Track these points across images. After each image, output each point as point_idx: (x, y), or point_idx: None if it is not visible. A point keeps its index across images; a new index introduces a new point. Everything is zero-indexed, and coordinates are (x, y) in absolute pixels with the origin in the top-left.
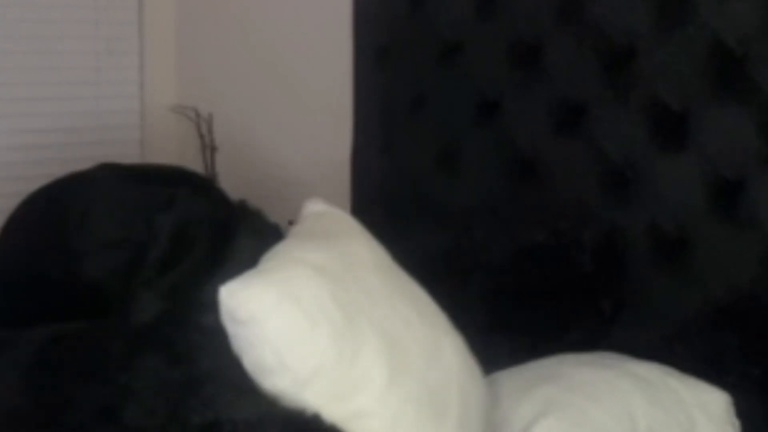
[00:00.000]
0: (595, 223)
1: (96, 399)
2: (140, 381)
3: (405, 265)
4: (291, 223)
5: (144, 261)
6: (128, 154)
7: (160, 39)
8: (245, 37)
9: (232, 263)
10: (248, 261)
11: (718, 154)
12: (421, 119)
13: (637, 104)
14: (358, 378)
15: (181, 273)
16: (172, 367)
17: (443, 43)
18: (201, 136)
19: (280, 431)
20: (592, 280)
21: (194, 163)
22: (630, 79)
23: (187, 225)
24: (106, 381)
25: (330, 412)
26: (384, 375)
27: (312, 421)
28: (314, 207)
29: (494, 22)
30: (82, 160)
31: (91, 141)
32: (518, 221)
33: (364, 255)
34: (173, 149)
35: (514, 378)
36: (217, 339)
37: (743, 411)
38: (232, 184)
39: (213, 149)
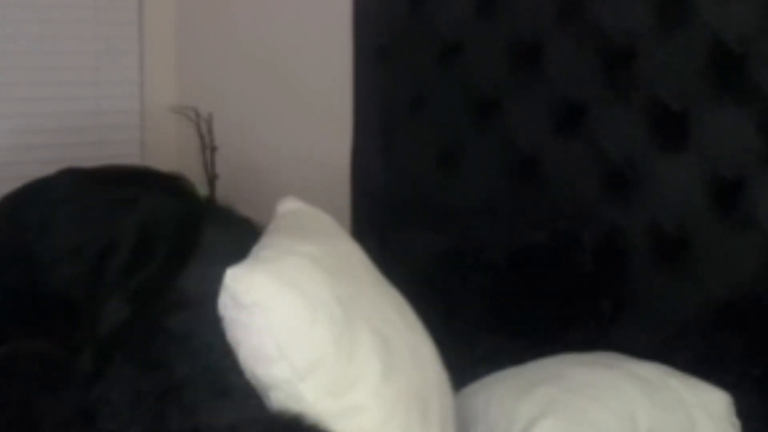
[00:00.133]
0: (595, 223)
1: (66, 411)
2: (115, 390)
3: (405, 265)
4: None
5: (109, 266)
6: (128, 154)
7: (160, 39)
8: (245, 37)
9: (200, 261)
10: (219, 257)
11: (718, 154)
12: (421, 119)
13: (637, 104)
14: (354, 373)
15: (147, 275)
16: (147, 375)
17: (443, 43)
18: (201, 136)
19: None
20: (592, 280)
21: (194, 163)
22: (630, 79)
23: (151, 226)
24: (77, 392)
25: (325, 407)
26: (378, 371)
27: (292, 422)
28: (290, 205)
29: (494, 22)
30: (82, 160)
31: (91, 141)
32: (518, 221)
33: (351, 255)
34: (173, 149)
35: (514, 378)
36: (190, 343)
37: (743, 411)
38: (232, 184)
39: (213, 149)
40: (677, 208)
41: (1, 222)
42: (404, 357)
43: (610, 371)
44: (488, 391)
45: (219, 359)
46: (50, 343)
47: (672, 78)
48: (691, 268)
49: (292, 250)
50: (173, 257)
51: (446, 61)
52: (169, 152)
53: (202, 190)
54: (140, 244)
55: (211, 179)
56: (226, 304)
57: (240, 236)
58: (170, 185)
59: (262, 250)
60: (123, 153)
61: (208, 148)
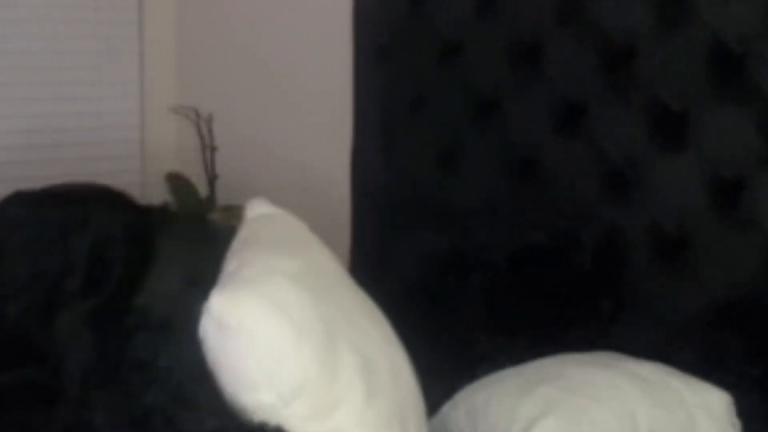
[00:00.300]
0: (595, 223)
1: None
2: (96, 414)
3: (405, 265)
4: None
5: (65, 292)
6: (128, 154)
7: (160, 39)
8: (245, 38)
9: (157, 277)
10: (177, 271)
11: (718, 154)
12: (421, 119)
13: (637, 104)
14: (337, 396)
15: (103, 297)
16: (118, 402)
17: (443, 43)
18: (201, 136)
19: None
20: (592, 280)
21: (194, 163)
22: (630, 79)
23: (103, 245)
24: (67, 413)
25: (308, 431)
26: (361, 394)
27: (275, 430)
28: (259, 209)
29: (494, 22)
30: (82, 161)
31: (91, 141)
32: (518, 221)
33: (328, 267)
34: (173, 149)
35: (514, 378)
36: (156, 369)
37: (743, 411)
38: (232, 184)
39: (213, 149)
40: (677, 208)
41: None
42: (385, 376)
43: (610, 371)
44: (488, 391)
45: (187, 385)
46: (37, 369)
47: (672, 78)
48: (691, 268)
49: (274, 268)
50: (128, 276)
51: (446, 61)
52: (169, 152)
53: (202, 190)
54: (94, 266)
55: (211, 179)
56: (209, 329)
57: (197, 244)
58: (119, 200)
59: (242, 268)
60: (123, 153)
61: (208, 148)
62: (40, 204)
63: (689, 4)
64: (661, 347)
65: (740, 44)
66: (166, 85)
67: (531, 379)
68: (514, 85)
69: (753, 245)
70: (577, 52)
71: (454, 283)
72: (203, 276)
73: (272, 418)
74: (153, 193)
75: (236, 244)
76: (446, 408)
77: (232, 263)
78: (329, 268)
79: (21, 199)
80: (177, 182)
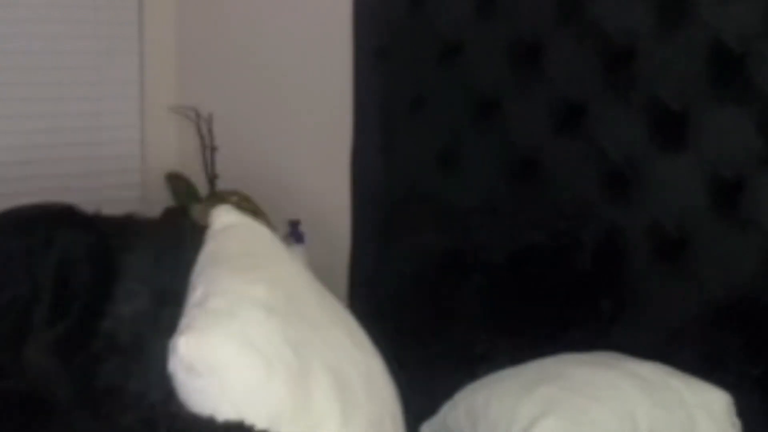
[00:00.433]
0: (595, 223)
1: None
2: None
3: (405, 265)
4: (292, 223)
5: (33, 319)
6: (128, 154)
7: (160, 39)
8: (245, 37)
9: (124, 296)
10: (142, 287)
11: (718, 154)
12: (421, 119)
13: (637, 104)
14: (314, 420)
15: (70, 321)
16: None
17: (443, 43)
18: (201, 136)
19: None
20: (592, 280)
21: (194, 163)
22: (630, 79)
23: (67, 267)
24: (60, 424)
25: None
26: (337, 414)
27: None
28: (226, 218)
29: (494, 22)
30: (81, 161)
31: (90, 141)
32: (518, 221)
33: (299, 281)
34: (173, 149)
35: (515, 378)
36: (126, 394)
37: (743, 411)
38: (232, 184)
39: (213, 149)
40: (677, 208)
41: None
42: (360, 389)
43: (611, 371)
44: (488, 390)
45: (159, 408)
46: (29, 382)
47: (672, 78)
48: (691, 268)
49: (242, 296)
50: (93, 298)
51: (446, 61)
52: (169, 152)
53: (202, 190)
54: (59, 291)
55: (211, 179)
56: (178, 370)
57: (164, 260)
58: (81, 220)
59: (209, 298)
60: (123, 153)
61: (208, 148)
62: (2, 230)
63: (689, 4)
64: (661, 347)
65: (740, 44)
66: (166, 85)
67: (531, 379)
68: (514, 85)
69: (753, 245)
70: (577, 52)
71: (454, 283)
72: (173, 293)
73: None
74: (153, 193)
75: (204, 259)
76: (446, 408)
77: (199, 288)
78: (298, 283)
79: None
80: (177, 182)
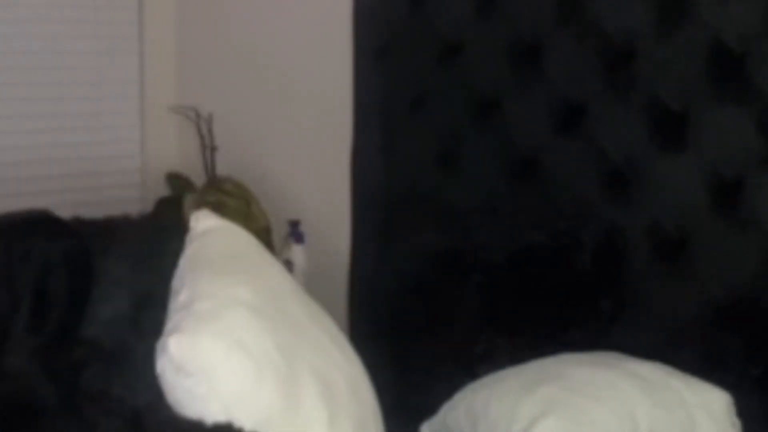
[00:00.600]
0: (595, 223)
1: None
2: None
3: (405, 265)
4: (292, 223)
5: (14, 329)
6: (128, 154)
7: (160, 39)
8: (245, 37)
9: (103, 301)
10: (125, 291)
11: (718, 154)
12: (421, 119)
13: (637, 104)
14: (302, 424)
15: (50, 329)
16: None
17: (443, 43)
18: (201, 136)
19: None
20: (592, 280)
21: (194, 163)
22: (630, 79)
23: (46, 276)
24: (48, 425)
25: None
26: (325, 419)
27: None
28: (205, 222)
29: (494, 22)
30: (81, 161)
31: (90, 141)
32: (518, 221)
33: (282, 284)
34: (173, 149)
35: (515, 378)
36: (108, 399)
37: (743, 411)
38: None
39: (213, 149)
40: (677, 208)
41: None
42: (345, 395)
43: (611, 371)
44: (488, 390)
45: (144, 412)
46: (12, 388)
47: (672, 78)
48: (691, 268)
49: (230, 298)
50: (72, 305)
51: (446, 61)
52: (169, 152)
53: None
54: (38, 297)
55: (211, 179)
56: (167, 370)
57: (144, 263)
58: (56, 226)
59: (196, 300)
60: (123, 153)
61: (208, 148)
62: None
63: (689, 4)
64: (661, 347)
65: (740, 44)
66: (166, 85)
67: (531, 379)
68: (514, 85)
69: (753, 245)
70: (577, 52)
71: (454, 283)
72: (153, 296)
73: None
74: (153, 194)
75: (185, 263)
76: (446, 408)
77: (183, 292)
78: (282, 286)
79: None
80: (177, 182)
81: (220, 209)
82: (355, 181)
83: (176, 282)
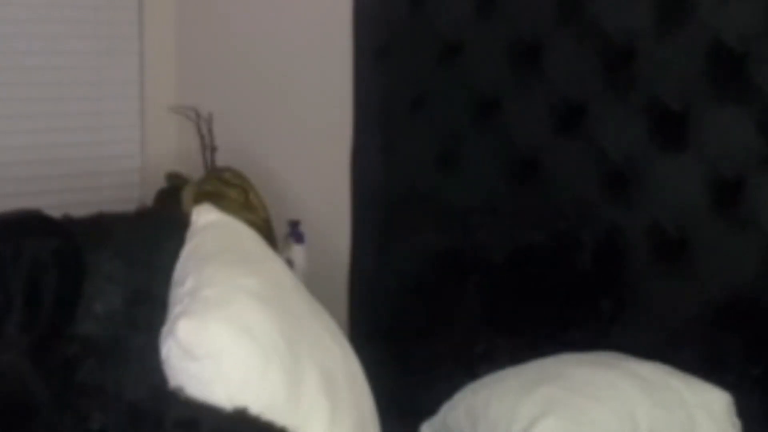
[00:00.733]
0: (595, 223)
1: None
2: None
3: (405, 264)
4: (292, 223)
5: (6, 328)
6: (128, 154)
7: (160, 39)
8: (245, 37)
9: (94, 296)
10: (118, 288)
11: (718, 154)
12: (421, 119)
13: (637, 104)
14: (305, 415)
15: (42, 328)
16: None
17: (443, 43)
18: (201, 136)
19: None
20: (592, 280)
21: (194, 163)
22: (630, 79)
23: (36, 275)
24: (44, 423)
25: None
26: (327, 411)
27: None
28: (207, 216)
29: (494, 22)
30: (81, 161)
31: (90, 141)
32: (518, 221)
33: (283, 277)
34: (173, 149)
35: (515, 377)
36: (103, 394)
37: (743, 411)
38: None
39: (213, 149)
40: (677, 208)
41: None
42: (345, 389)
43: (611, 371)
44: (488, 390)
45: (139, 406)
46: (5, 386)
47: (672, 78)
48: (691, 268)
49: (237, 286)
50: (62, 302)
51: (446, 61)
52: (169, 152)
53: None
54: (30, 296)
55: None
56: (173, 354)
57: (136, 259)
58: (47, 225)
59: (203, 287)
60: (123, 153)
61: (208, 148)
62: None
63: (689, 4)
64: (661, 347)
65: (740, 44)
66: (166, 85)
67: (531, 379)
68: (514, 85)
69: (753, 245)
70: (577, 52)
71: (454, 283)
72: (146, 292)
73: None
74: (153, 193)
75: (188, 255)
76: (446, 408)
77: (188, 281)
78: (284, 279)
79: None
80: (177, 181)
81: (218, 198)
82: (355, 181)
83: (179, 273)
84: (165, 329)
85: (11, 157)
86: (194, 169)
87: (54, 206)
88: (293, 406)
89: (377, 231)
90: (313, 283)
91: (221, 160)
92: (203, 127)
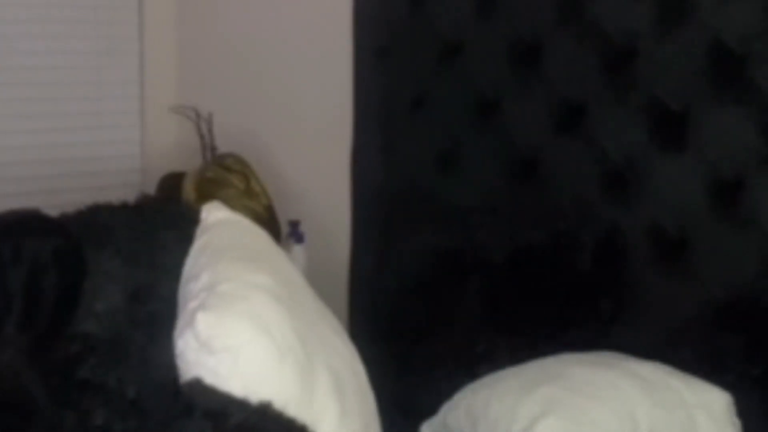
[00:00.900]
0: (595, 223)
1: None
2: None
3: (405, 264)
4: (292, 223)
5: (5, 327)
6: (128, 154)
7: (160, 39)
8: (245, 37)
9: (96, 295)
10: (118, 285)
11: (718, 154)
12: (421, 119)
13: (637, 104)
14: (316, 415)
15: (41, 327)
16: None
17: (443, 43)
18: (201, 136)
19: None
20: (592, 280)
21: (194, 163)
22: (630, 79)
23: (36, 274)
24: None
25: None
26: (336, 413)
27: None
28: (217, 213)
29: (494, 22)
30: (81, 161)
31: (90, 141)
32: (518, 221)
33: (293, 276)
34: (173, 149)
35: (515, 377)
36: (106, 391)
37: (743, 411)
38: None
39: (213, 149)
40: (677, 208)
41: None
42: (353, 392)
43: (611, 371)
44: (488, 390)
45: (141, 402)
46: (4, 385)
47: (672, 78)
48: (691, 268)
49: (251, 283)
50: (62, 301)
51: (446, 61)
52: (169, 152)
53: None
54: (29, 296)
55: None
56: (191, 347)
57: (137, 257)
58: (47, 223)
59: (219, 283)
60: (123, 153)
61: (208, 148)
62: None
63: (689, 4)
64: (661, 347)
65: (740, 44)
66: (166, 85)
67: (531, 379)
68: (514, 85)
69: (753, 245)
70: (577, 52)
71: (454, 283)
72: (147, 289)
73: None
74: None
75: (199, 251)
76: (446, 408)
77: (204, 275)
78: (294, 278)
79: None
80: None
81: (220, 186)
82: (355, 181)
83: (191, 269)
84: (181, 323)
85: (11, 157)
86: None
87: (54, 206)
88: (305, 406)
89: (377, 231)
90: (313, 283)
91: None
92: (203, 127)
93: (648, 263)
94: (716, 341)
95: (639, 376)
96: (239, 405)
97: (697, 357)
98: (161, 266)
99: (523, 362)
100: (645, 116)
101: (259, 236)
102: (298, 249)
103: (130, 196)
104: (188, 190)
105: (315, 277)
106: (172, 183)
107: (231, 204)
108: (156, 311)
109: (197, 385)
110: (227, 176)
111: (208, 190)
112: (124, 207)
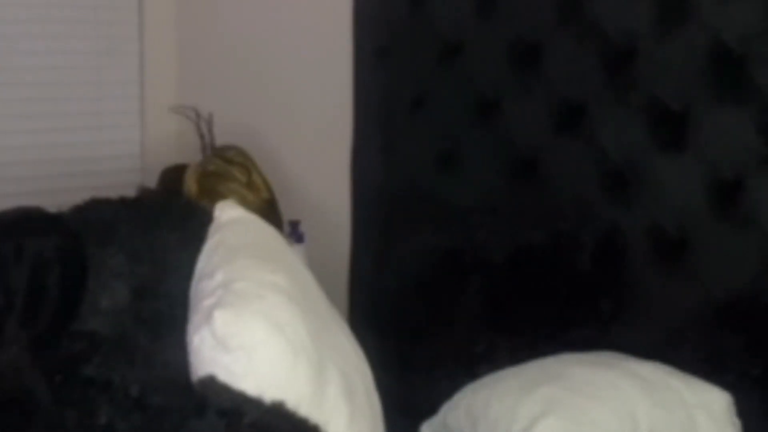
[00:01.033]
0: (595, 223)
1: None
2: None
3: (405, 264)
4: (292, 223)
5: (7, 325)
6: (128, 154)
7: (160, 39)
8: (245, 37)
9: (98, 293)
10: (122, 283)
11: (718, 154)
12: (421, 119)
13: (637, 104)
14: (325, 417)
15: (43, 325)
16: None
17: (443, 43)
18: (201, 136)
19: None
20: (592, 280)
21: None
22: (630, 79)
23: (39, 272)
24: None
25: None
26: (345, 415)
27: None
28: (230, 212)
29: (494, 22)
30: (81, 161)
31: (90, 141)
32: (518, 221)
33: (305, 277)
34: (173, 149)
35: (515, 377)
36: (111, 389)
37: (744, 411)
38: None
39: (213, 149)
40: (677, 209)
41: None
42: (362, 394)
43: (611, 371)
44: (488, 390)
45: (146, 399)
46: (6, 384)
47: (672, 78)
48: (691, 268)
49: (266, 282)
50: (65, 298)
51: (446, 61)
52: (169, 152)
53: None
54: (32, 294)
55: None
56: (207, 344)
57: (141, 255)
58: (50, 221)
59: (234, 281)
60: (123, 153)
61: (208, 147)
62: None
63: (689, 4)
64: (661, 347)
65: (740, 44)
66: (166, 85)
67: (531, 379)
68: (514, 85)
69: (753, 245)
70: (577, 53)
71: (454, 283)
72: (150, 287)
73: None
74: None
75: (213, 249)
76: (446, 408)
77: (219, 273)
78: (306, 280)
79: None
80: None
81: (222, 178)
82: (355, 181)
83: (204, 266)
84: (195, 319)
85: (11, 157)
86: None
87: (54, 206)
88: (317, 408)
89: (377, 231)
90: None
91: None
92: (203, 127)
93: (648, 263)
94: (716, 341)
95: (639, 376)
96: (253, 404)
97: (697, 357)
98: (164, 263)
99: (523, 362)
100: (645, 116)
101: (272, 236)
102: (298, 249)
103: (130, 195)
104: (189, 183)
105: (315, 277)
106: (173, 176)
107: (232, 197)
108: (160, 309)
109: (211, 382)
110: (229, 169)
111: (210, 183)
112: (124, 203)
